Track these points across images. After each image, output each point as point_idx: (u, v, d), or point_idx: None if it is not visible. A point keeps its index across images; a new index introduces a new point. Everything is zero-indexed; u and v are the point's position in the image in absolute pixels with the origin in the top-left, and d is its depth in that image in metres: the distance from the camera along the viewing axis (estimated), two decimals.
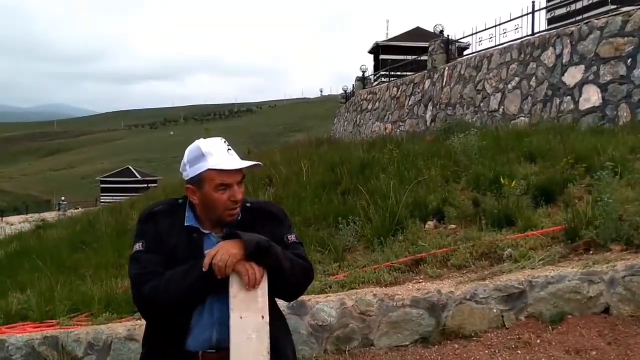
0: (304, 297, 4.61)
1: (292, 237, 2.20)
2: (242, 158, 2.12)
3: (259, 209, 2.22)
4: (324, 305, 4.56)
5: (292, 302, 4.34)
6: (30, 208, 59.92)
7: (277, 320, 2.14)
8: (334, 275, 5.54)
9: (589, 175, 6.45)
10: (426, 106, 17.82)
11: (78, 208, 35.76)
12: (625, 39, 9.77)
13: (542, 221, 5.79)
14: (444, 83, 16.77)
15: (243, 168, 2.08)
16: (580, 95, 10.53)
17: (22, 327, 5.19)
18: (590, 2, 14.56)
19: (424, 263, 5.40)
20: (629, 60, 9.64)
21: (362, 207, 6.89)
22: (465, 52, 19.27)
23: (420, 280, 5.05)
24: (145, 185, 57.08)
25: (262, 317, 2.00)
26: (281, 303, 2.26)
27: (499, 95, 13.49)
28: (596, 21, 10.58)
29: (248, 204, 2.19)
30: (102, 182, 75.61)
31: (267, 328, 2.01)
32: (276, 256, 2.04)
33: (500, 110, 13.28)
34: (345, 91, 32.68)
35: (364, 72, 29.05)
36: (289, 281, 2.08)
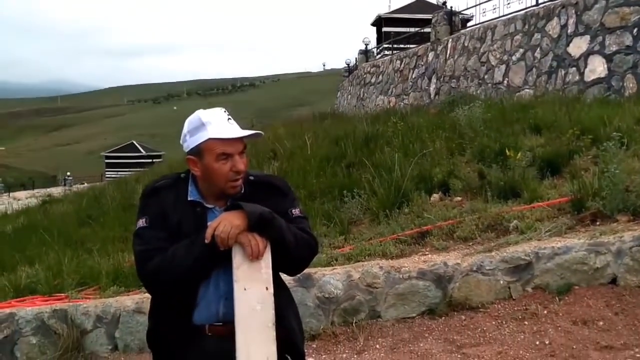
0: (310, 270, 4.63)
1: (296, 211, 2.17)
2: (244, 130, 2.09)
3: (263, 182, 2.19)
4: (330, 277, 4.58)
5: (298, 275, 4.37)
6: (36, 183, 60.29)
7: (281, 292, 2.12)
8: (340, 248, 5.56)
9: (595, 147, 6.42)
10: (430, 79, 17.68)
11: (84, 183, 35.89)
12: (631, 8, 9.63)
13: (548, 193, 5.77)
14: (447, 55, 16.61)
15: (244, 137, 2.05)
16: (585, 67, 10.42)
17: (31, 300, 5.23)
18: None
19: (429, 235, 5.41)
20: (635, 30, 9.50)
21: (367, 180, 6.89)
22: (468, 24, 19.05)
23: (427, 253, 5.06)
24: (150, 160, 57.36)
25: (267, 288, 1.99)
26: (287, 276, 2.26)
27: (503, 67, 13.36)
28: None
29: (251, 177, 2.16)
30: (107, 157, 76.05)
31: (272, 299, 1.99)
32: (279, 228, 2.01)
33: (505, 82, 13.17)
34: (348, 65, 32.42)
35: (366, 45, 28.77)
36: (292, 254, 2.06)
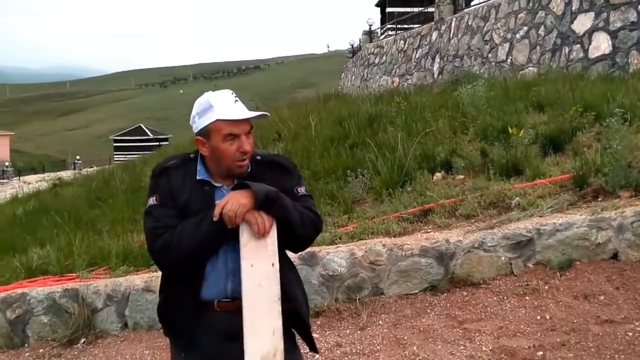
0: (314, 248, 4.69)
1: (301, 190, 2.22)
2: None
3: (269, 161, 2.24)
4: (334, 255, 4.64)
5: (303, 253, 4.44)
6: (46, 167, 60.65)
7: (287, 269, 2.18)
8: (344, 226, 5.61)
9: (598, 124, 6.42)
10: (433, 58, 17.62)
11: (93, 167, 36.07)
12: None
13: (550, 170, 5.78)
14: (451, 34, 16.54)
15: (250, 118, 2.10)
16: (589, 44, 10.38)
17: (43, 280, 5.33)
18: None
19: (432, 213, 5.44)
20: (639, 6, 9.45)
21: (371, 160, 6.92)
22: (472, 3, 18.90)
23: (429, 230, 5.10)
24: (157, 143, 57.71)
25: (272, 264, 2.05)
26: (292, 254, 2.30)
27: (507, 45, 13.31)
28: None
29: (258, 157, 2.21)
30: (116, 141, 76.55)
31: (278, 275, 2.05)
32: (285, 207, 2.07)
33: (509, 60, 13.12)
34: (352, 46, 32.31)
35: (370, 25, 28.64)
36: (297, 232, 2.11)
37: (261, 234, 2.02)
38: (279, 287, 2.05)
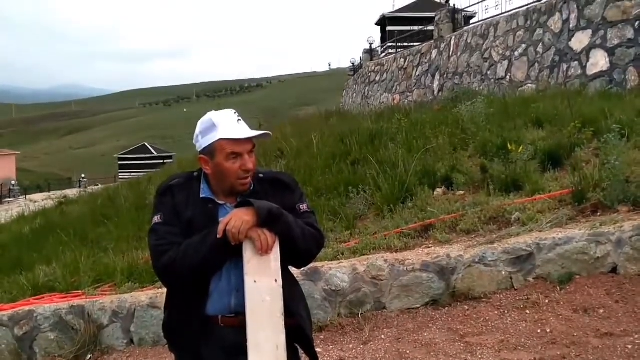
0: (317, 264, 4.75)
1: (303, 206, 2.26)
2: (253, 130, 2.18)
3: (272, 179, 2.28)
4: (336, 271, 4.70)
5: (306, 269, 4.48)
6: (52, 186, 60.82)
7: (290, 284, 2.22)
8: (346, 242, 5.67)
9: (596, 139, 6.50)
10: (433, 76, 17.77)
11: (98, 185, 36.17)
12: (633, 1, 9.68)
13: (549, 185, 5.85)
14: (450, 52, 16.70)
15: (253, 137, 2.14)
16: (587, 60, 10.49)
17: (49, 297, 5.38)
18: None
19: (433, 229, 5.51)
20: (636, 24, 9.56)
21: (372, 176, 7.00)
22: (471, 21, 19.15)
23: (430, 245, 5.16)
24: (162, 161, 58.06)
25: (275, 280, 2.08)
26: (295, 270, 2.35)
27: (506, 62, 13.44)
28: None
29: (261, 175, 2.25)
30: (120, 159, 77.01)
31: (281, 291, 2.08)
32: (288, 223, 2.10)
33: (508, 77, 13.25)
34: (353, 64, 32.56)
35: (371, 44, 28.90)
36: (300, 248, 2.14)
37: (264, 251, 2.06)
38: (282, 302, 2.08)
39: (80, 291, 5.45)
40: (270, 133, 2.33)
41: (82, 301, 4.99)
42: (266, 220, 2.05)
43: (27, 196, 47.35)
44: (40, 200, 28.73)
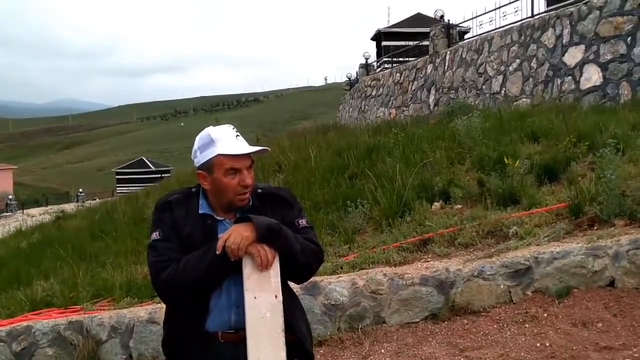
0: (316, 278, 4.74)
1: (302, 222, 2.26)
2: (251, 145, 2.19)
3: (270, 194, 2.28)
4: (336, 285, 4.70)
5: (305, 283, 4.51)
6: (49, 200, 60.59)
7: (290, 300, 2.22)
8: (345, 256, 5.69)
9: (591, 153, 6.56)
10: (429, 90, 17.89)
11: (96, 199, 36.00)
12: (625, 17, 9.81)
13: (546, 199, 5.89)
14: (446, 67, 16.83)
15: (251, 153, 2.14)
16: (581, 75, 10.60)
17: (47, 313, 5.35)
18: None
19: (431, 243, 5.53)
20: (628, 39, 9.68)
21: (370, 190, 7.03)
22: (466, 36, 19.27)
23: (429, 259, 5.18)
24: (159, 175, 58.04)
25: (276, 296, 2.07)
26: (295, 284, 2.36)
27: (500, 77, 13.56)
28: (595, 1, 10.60)
29: (259, 190, 2.25)
30: (118, 173, 77.05)
31: (281, 307, 2.08)
32: (287, 238, 2.10)
33: (502, 92, 13.35)
34: (349, 78, 32.73)
35: (367, 59, 29.07)
36: (299, 263, 2.14)
37: (264, 267, 2.06)
38: (283, 318, 2.08)
39: (78, 306, 5.43)
40: (269, 149, 2.34)
41: (81, 316, 4.97)
42: (265, 235, 2.05)
43: (25, 210, 47.19)
44: (38, 214, 28.62)
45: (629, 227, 4.86)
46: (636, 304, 4.22)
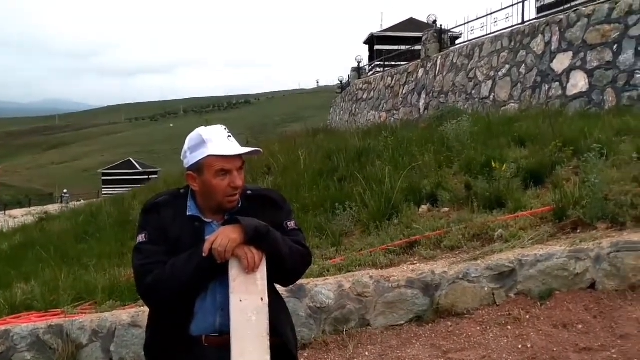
0: (302, 281, 4.74)
1: (291, 224, 2.25)
2: (242, 147, 2.17)
3: (260, 196, 2.26)
4: (322, 288, 4.71)
5: (291, 286, 4.54)
6: (33, 201, 60.05)
7: (276, 303, 2.20)
8: (332, 259, 5.71)
9: (576, 158, 6.63)
10: (420, 94, 17.98)
11: (80, 200, 35.73)
12: (612, 25, 9.93)
13: (531, 202, 5.95)
14: (437, 72, 16.93)
15: (243, 154, 2.11)
16: (568, 81, 10.70)
17: (27, 316, 5.24)
18: None
19: (418, 245, 5.56)
20: (615, 47, 9.80)
21: (359, 193, 7.06)
22: (457, 42, 19.42)
23: (415, 262, 5.22)
24: (147, 177, 57.64)
25: (262, 299, 2.05)
26: (281, 287, 2.35)
27: (490, 82, 13.66)
28: (584, 9, 10.73)
29: (249, 192, 2.23)
30: (104, 174, 76.50)
31: (267, 310, 2.06)
32: (275, 241, 2.08)
33: (491, 97, 13.45)
34: (341, 81, 32.82)
35: (359, 62, 29.19)
36: (287, 266, 2.13)
37: (250, 269, 2.03)
38: (268, 321, 2.06)
39: (59, 310, 5.31)
40: (261, 150, 2.31)
41: (61, 320, 4.85)
42: (253, 237, 2.04)
43: (7, 212, 46.76)
44: (20, 216, 28.38)
45: (610, 230, 4.92)
46: (616, 305, 4.28)
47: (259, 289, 2.07)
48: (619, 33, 9.76)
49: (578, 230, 5.14)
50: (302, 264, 2.23)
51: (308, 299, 4.68)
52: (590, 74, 10.16)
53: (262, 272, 2.08)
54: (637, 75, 9.30)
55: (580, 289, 4.52)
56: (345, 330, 4.61)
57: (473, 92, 14.38)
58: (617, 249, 4.51)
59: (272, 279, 2.16)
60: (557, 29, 11.23)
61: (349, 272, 5.14)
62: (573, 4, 12.77)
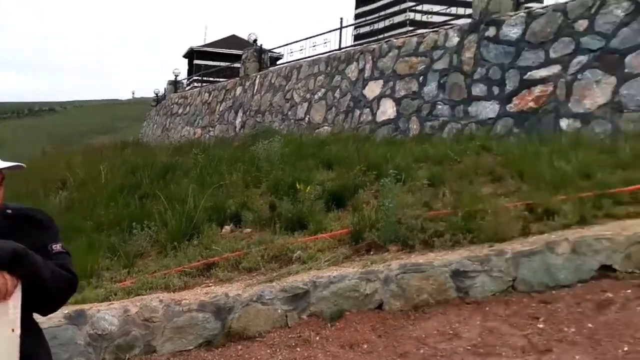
0: (84, 306, 4.42)
1: (57, 247, 2.05)
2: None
3: (22, 215, 2.05)
4: (105, 313, 4.36)
5: (70, 312, 4.16)
6: None
7: (31, 334, 1.98)
8: (122, 282, 5.31)
9: (378, 182, 6.90)
10: (237, 112, 17.95)
11: None
12: (419, 58, 10.69)
13: (332, 224, 6.05)
14: (255, 91, 17.03)
15: (2, 168, 1.91)
16: (378, 108, 11.31)
17: None
18: (391, 23, 15.69)
19: (216, 267, 5.38)
20: (421, 78, 10.55)
21: (159, 211, 6.71)
22: (278, 62, 19.76)
23: (211, 284, 5.02)
24: None
25: (13, 330, 1.83)
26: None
27: (306, 104, 14.01)
28: (395, 40, 11.45)
29: (9, 211, 2.01)
30: None
31: (17, 341, 1.84)
32: (34, 265, 1.86)
33: (307, 118, 13.79)
34: (157, 94, 31.76)
35: (176, 75, 28.49)
36: (49, 291, 1.93)
37: (2, 297, 1.80)
38: (19, 355, 1.83)
39: None
40: (24, 165, 2.07)
41: None
42: (9, 262, 1.79)
43: None
44: None
45: (401, 253, 5.13)
46: (399, 324, 4.43)
47: (11, 318, 1.82)
48: (425, 65, 10.51)
49: (372, 252, 5.29)
50: (67, 289, 2.00)
51: (88, 326, 4.29)
52: (398, 102, 10.82)
53: (15, 301, 1.83)
54: (439, 106, 10.07)
55: (369, 310, 4.63)
56: (128, 358, 4.27)
57: (289, 113, 14.65)
58: (404, 271, 4.70)
59: (32, 306, 1.91)
60: (371, 57, 11.85)
61: (139, 295, 4.81)
62: (386, 35, 13.62)
